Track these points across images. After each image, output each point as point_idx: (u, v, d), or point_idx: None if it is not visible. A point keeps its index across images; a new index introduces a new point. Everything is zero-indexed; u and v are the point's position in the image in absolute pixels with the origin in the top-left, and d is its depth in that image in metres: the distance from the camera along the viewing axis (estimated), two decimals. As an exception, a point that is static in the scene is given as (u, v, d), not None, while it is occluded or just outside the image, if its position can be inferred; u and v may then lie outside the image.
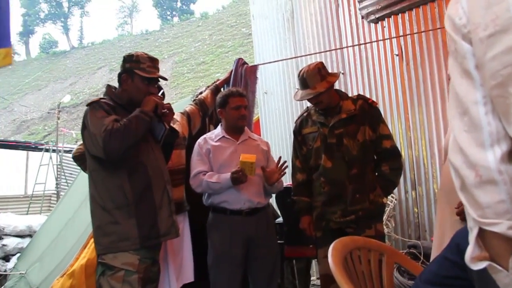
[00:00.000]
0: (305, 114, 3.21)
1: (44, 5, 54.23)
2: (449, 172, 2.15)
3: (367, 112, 3.01)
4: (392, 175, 3.01)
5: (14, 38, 52.07)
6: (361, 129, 2.96)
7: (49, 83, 38.50)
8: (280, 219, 4.04)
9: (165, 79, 2.79)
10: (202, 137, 3.29)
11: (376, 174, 3.05)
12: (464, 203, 0.92)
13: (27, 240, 5.96)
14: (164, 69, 30.76)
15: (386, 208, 4.29)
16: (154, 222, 2.50)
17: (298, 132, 3.22)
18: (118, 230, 2.42)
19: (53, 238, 4.65)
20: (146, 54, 2.69)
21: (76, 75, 38.06)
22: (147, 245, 2.48)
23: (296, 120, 3.27)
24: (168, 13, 54.40)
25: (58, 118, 17.96)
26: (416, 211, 4.54)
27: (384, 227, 4.22)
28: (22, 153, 15.11)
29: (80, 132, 2.62)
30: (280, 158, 3.18)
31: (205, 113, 3.65)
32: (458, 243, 1.31)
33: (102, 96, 2.64)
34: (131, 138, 2.37)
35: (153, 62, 2.67)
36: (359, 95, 3.25)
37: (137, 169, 2.50)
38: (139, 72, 2.58)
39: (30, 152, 15.20)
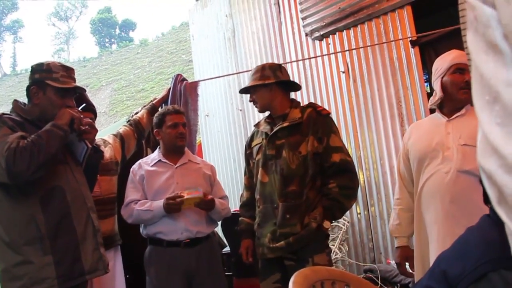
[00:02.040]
0: (256, 126, 2.90)
1: (-26, 31, 52.00)
2: (459, 181, 1.92)
3: (314, 121, 2.61)
4: (339, 194, 2.50)
5: None
6: (306, 140, 2.55)
7: (-22, 112, 36.59)
8: (227, 249, 3.72)
9: (83, 90, 2.40)
10: (137, 163, 2.98)
11: (322, 193, 2.58)
12: (505, 220, 0.64)
13: None
14: (102, 97, 30.02)
15: (338, 232, 4.07)
16: (76, 258, 2.12)
17: (248, 145, 2.89)
18: (30, 271, 2.01)
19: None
20: (59, 62, 2.32)
21: (8, 103, 35.67)
22: (68, 286, 2.08)
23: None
24: (107, 40, 53.45)
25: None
26: (370, 233, 4.34)
27: (338, 251, 4.00)
28: None
29: None
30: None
31: (141, 135, 3.31)
32: (445, 270, 1.11)
33: (6, 112, 2.23)
34: (41, 156, 1.98)
35: (68, 71, 2.28)
36: (310, 103, 2.84)
37: (52, 195, 2.11)
38: (51, 83, 2.19)
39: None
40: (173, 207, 2.67)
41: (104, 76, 35.56)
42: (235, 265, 3.63)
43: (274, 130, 2.62)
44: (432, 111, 2.54)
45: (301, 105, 2.75)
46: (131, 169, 2.94)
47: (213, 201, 2.79)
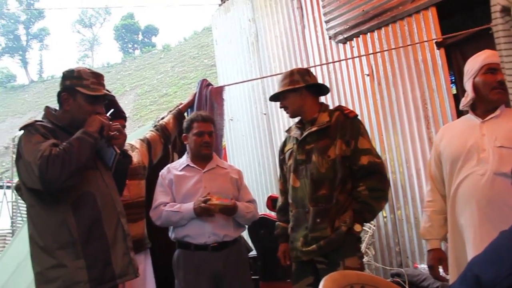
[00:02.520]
0: (287, 132, 2.91)
1: (1, 39, 53.09)
2: (495, 183, 1.88)
3: (342, 124, 2.58)
4: (369, 197, 2.49)
5: (-30, 72, 50.81)
6: (334, 143, 2.53)
7: (7, 118, 37.40)
8: (253, 253, 3.73)
9: (112, 96, 2.43)
10: (166, 167, 3.02)
11: (352, 197, 2.56)
12: None
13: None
14: (126, 102, 30.32)
15: (365, 236, 4.04)
16: (107, 262, 2.13)
17: (281, 150, 2.89)
18: (63, 274, 2.04)
19: (2, 283, 4.22)
20: (88, 69, 2.33)
21: (36, 109, 37.04)
22: None
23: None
24: (130, 45, 54.10)
25: (14, 153, 17.22)
26: (397, 237, 4.30)
27: (364, 255, 3.96)
28: (-25, 191, 14.33)
29: None
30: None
31: (167, 140, 3.35)
32: (478, 275, 1.12)
33: (38, 119, 2.25)
34: (73, 164, 2.00)
35: (98, 78, 2.29)
36: (338, 106, 2.80)
37: (83, 201, 2.13)
38: (81, 90, 2.20)
39: (-16, 190, 14.43)
40: (206, 211, 2.70)
41: (128, 82, 35.99)
42: (261, 268, 3.63)
43: (304, 135, 2.62)
44: (460, 113, 2.51)
45: (329, 108, 2.75)
46: (160, 173, 2.98)
47: (235, 207, 2.81)
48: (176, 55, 38.59)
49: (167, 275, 2.96)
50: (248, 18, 6.02)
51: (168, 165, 3.04)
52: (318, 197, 2.50)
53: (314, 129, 2.59)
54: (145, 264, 2.87)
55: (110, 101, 2.50)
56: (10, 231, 12.88)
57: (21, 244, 4.42)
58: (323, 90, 2.80)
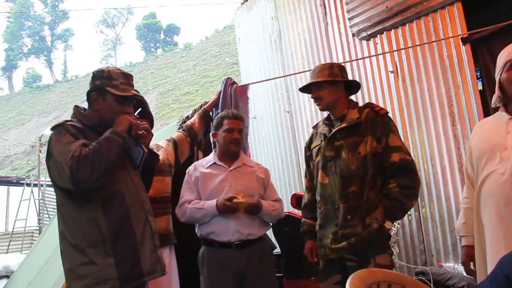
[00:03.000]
0: (314, 128, 2.90)
1: (27, 40, 54.05)
2: None
3: (372, 121, 2.57)
4: (400, 194, 2.46)
5: (-4, 73, 51.99)
6: (364, 140, 2.53)
7: (33, 117, 38.10)
8: (277, 250, 3.74)
9: (141, 97, 2.46)
10: (193, 164, 3.05)
11: (383, 194, 2.55)
12: None
13: (3, 282, 5.58)
14: (149, 100, 30.25)
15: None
16: (135, 260, 2.16)
17: (307, 147, 2.89)
18: (93, 271, 2.07)
19: (31, 279, 4.31)
20: (118, 69, 2.35)
21: (60, 108, 37.69)
22: (128, 287, 2.13)
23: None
24: (152, 44, 54.56)
25: (40, 152, 17.53)
26: (421, 235, 4.26)
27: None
28: (3, 189, 14.65)
29: None
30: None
31: (194, 140, 3.39)
32: (508, 274, 1.11)
33: (68, 119, 2.29)
34: (102, 164, 2.03)
35: (127, 78, 2.31)
36: (368, 103, 2.80)
37: (112, 200, 2.17)
38: (111, 90, 2.23)
39: (12, 188, 14.74)
40: (229, 209, 2.71)
41: (150, 80, 36.31)
42: (285, 266, 3.64)
43: (333, 131, 2.62)
44: (486, 109, 2.48)
45: (359, 105, 2.74)
46: (187, 171, 3.01)
47: (260, 205, 2.82)
48: (197, 53, 38.79)
49: (193, 272, 2.99)
50: (271, 16, 6.01)
51: (195, 163, 3.06)
52: (348, 194, 2.50)
53: (343, 125, 2.59)
54: (169, 259, 2.91)
55: (138, 101, 2.53)
56: (37, 228, 13.15)
57: (49, 241, 4.52)
58: (355, 89, 2.80)
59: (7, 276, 5.85)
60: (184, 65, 37.40)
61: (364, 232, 2.45)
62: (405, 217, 4.35)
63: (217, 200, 2.76)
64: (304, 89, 2.81)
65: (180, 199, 2.91)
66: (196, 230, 2.92)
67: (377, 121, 2.58)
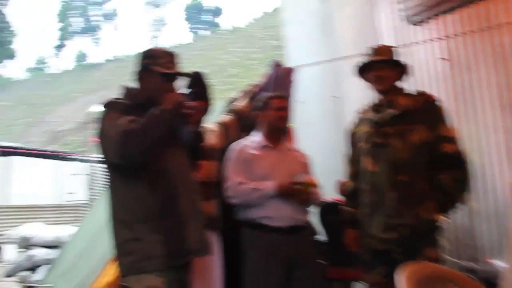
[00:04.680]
0: (360, 112, 2.85)
1: (77, 19, 55.39)
2: None
3: (424, 109, 2.52)
4: (452, 187, 2.41)
5: (49, 51, 53.68)
6: (416, 128, 2.47)
7: (81, 95, 39.10)
8: (321, 237, 3.72)
9: (185, 74, 2.46)
10: (238, 143, 3.01)
11: (433, 184, 2.49)
12: None
13: (55, 251, 5.80)
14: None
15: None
16: (182, 237, 2.20)
17: (352, 133, 2.85)
18: (140, 248, 2.14)
19: (81, 249, 4.48)
20: (164, 48, 2.41)
21: (108, 87, 38.45)
22: (175, 264, 2.18)
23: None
24: (199, 26, 54.89)
25: (89, 128, 18.01)
26: (469, 230, 4.13)
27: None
28: (54, 163, 15.17)
29: None
30: None
31: (243, 123, 3.38)
32: None
33: (117, 97, 2.36)
34: (150, 139, 2.09)
35: (172, 56, 2.37)
36: (420, 91, 2.73)
37: (160, 177, 2.22)
38: (157, 68, 2.29)
39: (62, 162, 15.24)
40: (291, 192, 2.70)
41: (196, 62, 36.57)
42: (329, 253, 3.62)
43: (382, 118, 2.56)
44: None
45: (408, 92, 2.66)
46: (232, 150, 2.97)
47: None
48: (244, 36, 38.71)
49: (233, 256, 3.00)
50: (319, -1, 5.90)
51: (241, 142, 3.02)
52: (398, 183, 2.44)
53: (394, 112, 2.53)
54: (215, 244, 2.92)
55: (196, 79, 2.55)
56: (86, 202, 13.58)
57: (99, 215, 4.66)
58: (404, 76, 2.74)
59: (58, 247, 6.06)
60: (230, 47, 37.43)
61: (416, 223, 2.39)
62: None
63: (276, 182, 2.74)
64: (360, 70, 2.75)
65: (228, 180, 2.87)
66: (239, 214, 2.91)
67: (430, 109, 2.52)
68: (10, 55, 44.42)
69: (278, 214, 2.75)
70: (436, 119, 2.51)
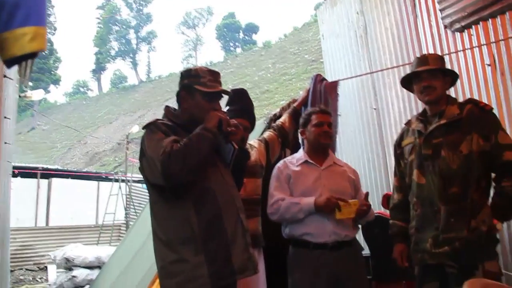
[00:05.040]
0: (406, 124, 2.75)
1: (115, 43, 57.09)
2: None
3: (477, 117, 2.39)
4: None
5: (87, 75, 55.36)
6: (467, 138, 2.34)
7: (119, 116, 40.05)
8: (366, 252, 3.61)
9: (229, 93, 2.43)
10: (281, 161, 2.95)
11: (494, 192, 2.39)
12: None
13: (96, 272, 5.87)
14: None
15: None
16: (227, 257, 2.13)
17: (398, 144, 2.74)
18: (185, 269, 2.07)
19: (122, 270, 4.49)
20: (205, 67, 2.36)
21: (145, 107, 39.33)
22: (220, 285, 2.10)
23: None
24: (231, 44, 55.66)
25: (127, 149, 18.35)
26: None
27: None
28: (93, 184, 15.50)
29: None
30: (367, 193, 2.78)
31: (285, 139, 3.33)
32: None
33: (159, 118, 2.32)
34: (194, 159, 2.03)
35: (214, 75, 2.31)
36: (469, 99, 2.61)
37: (204, 197, 2.15)
38: (199, 88, 2.24)
39: (101, 183, 15.56)
40: (331, 204, 2.60)
41: (230, 79, 36.90)
42: (374, 268, 3.51)
43: (430, 128, 2.46)
44: None
45: (458, 101, 2.56)
46: (276, 167, 2.93)
47: (369, 207, 2.72)
48: (276, 51, 38.97)
49: (279, 275, 2.92)
50: (356, 11, 5.85)
51: (284, 159, 2.98)
52: (450, 195, 2.33)
53: (443, 122, 2.43)
54: (259, 262, 2.84)
55: (240, 96, 2.52)
56: (124, 221, 13.78)
57: (138, 235, 4.68)
58: (451, 85, 2.65)
59: (99, 267, 6.13)
60: (263, 64, 37.70)
61: (471, 236, 2.27)
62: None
63: (316, 197, 2.67)
64: (405, 80, 2.66)
65: (270, 197, 2.82)
66: (284, 231, 2.84)
67: (482, 117, 2.40)
68: (56, 81, 45.94)
69: (319, 231, 2.66)
70: (491, 127, 2.39)
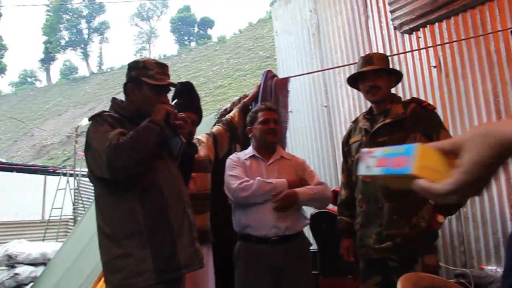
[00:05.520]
0: (354, 122, 2.80)
1: (65, 33, 55.37)
2: None
3: (420, 116, 2.46)
4: None
5: (35, 64, 53.51)
6: (411, 137, 2.41)
7: (69, 108, 38.93)
8: (314, 247, 3.66)
9: (176, 86, 2.41)
10: (233, 155, 2.97)
11: None
12: None
13: (40, 269, 5.69)
14: (182, 93, 30.87)
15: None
16: (172, 252, 2.12)
17: (345, 142, 2.80)
18: (129, 264, 2.04)
19: (68, 266, 4.37)
20: (154, 59, 2.34)
21: (95, 100, 38.40)
22: (165, 279, 2.08)
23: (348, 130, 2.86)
24: (186, 37, 55.12)
25: (76, 142, 17.86)
26: (461, 236, 4.11)
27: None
28: (40, 178, 15.00)
29: None
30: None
31: (234, 134, 3.33)
32: None
33: (106, 110, 2.28)
34: (140, 152, 2.00)
35: (162, 68, 2.30)
36: (413, 98, 2.70)
37: (150, 190, 2.13)
38: (147, 80, 2.22)
39: (48, 177, 15.08)
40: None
41: (184, 73, 36.55)
42: (321, 263, 3.57)
43: (376, 126, 2.52)
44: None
45: (403, 100, 2.63)
46: (229, 160, 2.92)
47: (293, 194, 2.71)
48: (231, 47, 38.86)
49: (226, 269, 2.94)
50: (309, 9, 5.91)
51: (235, 153, 3.00)
52: (393, 193, 2.39)
53: (388, 120, 2.49)
54: (207, 257, 2.85)
55: (185, 91, 2.50)
56: (72, 217, 13.42)
57: (85, 230, 4.57)
58: (396, 83, 2.73)
59: (44, 263, 5.95)
60: (218, 59, 37.52)
61: (412, 232, 2.35)
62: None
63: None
64: (351, 79, 2.71)
65: (235, 179, 2.76)
66: (234, 225, 2.86)
67: (425, 116, 2.48)
68: (1, 70, 44.03)
69: (259, 223, 2.69)
70: (434, 126, 2.47)
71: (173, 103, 2.44)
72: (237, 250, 2.81)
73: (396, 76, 2.68)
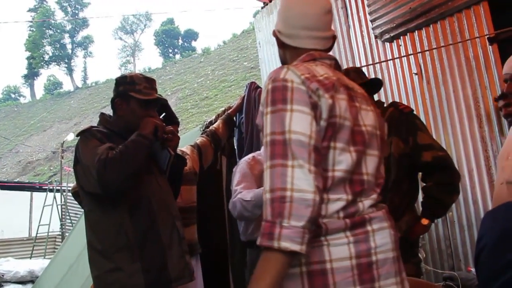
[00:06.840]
0: None
1: (48, 48, 55.04)
2: None
3: (396, 121, 2.46)
4: (438, 192, 2.37)
5: (19, 80, 53.07)
6: (387, 142, 2.35)
7: (54, 124, 38.67)
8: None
9: (164, 100, 2.43)
10: (250, 156, 2.75)
11: (424, 194, 2.48)
12: None
13: (28, 287, 5.64)
14: (168, 105, 30.87)
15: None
16: (163, 265, 2.14)
17: None
18: (120, 278, 2.05)
19: (56, 283, 4.34)
20: (141, 74, 2.36)
21: (81, 115, 38.19)
22: None
23: None
24: (170, 50, 55.16)
25: (62, 158, 17.75)
26: (448, 239, 4.17)
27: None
28: (26, 194, 14.86)
29: None
30: None
31: (218, 145, 3.34)
32: None
33: (94, 125, 2.30)
34: (130, 166, 2.02)
35: (150, 82, 2.32)
36: (391, 102, 2.71)
37: (139, 205, 2.15)
38: (134, 95, 2.23)
39: (35, 193, 14.95)
40: None
41: (169, 86, 36.53)
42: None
43: None
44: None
45: (383, 105, 2.67)
46: (243, 162, 2.70)
47: None
48: (216, 58, 38.97)
49: (216, 280, 2.93)
50: (292, 20, 5.97)
51: (252, 154, 2.77)
52: None
53: None
54: (196, 269, 2.85)
55: (162, 106, 2.52)
56: (60, 233, 13.29)
57: (72, 246, 4.55)
58: (377, 88, 2.74)
59: (32, 281, 5.89)
60: (203, 70, 37.58)
61: None
62: (432, 221, 4.27)
63: None
64: None
65: (235, 191, 2.52)
66: (242, 235, 2.74)
67: (401, 120, 2.49)
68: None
69: None
70: (410, 129, 2.47)
71: (162, 117, 2.46)
72: (249, 259, 2.71)
73: (375, 86, 2.70)
